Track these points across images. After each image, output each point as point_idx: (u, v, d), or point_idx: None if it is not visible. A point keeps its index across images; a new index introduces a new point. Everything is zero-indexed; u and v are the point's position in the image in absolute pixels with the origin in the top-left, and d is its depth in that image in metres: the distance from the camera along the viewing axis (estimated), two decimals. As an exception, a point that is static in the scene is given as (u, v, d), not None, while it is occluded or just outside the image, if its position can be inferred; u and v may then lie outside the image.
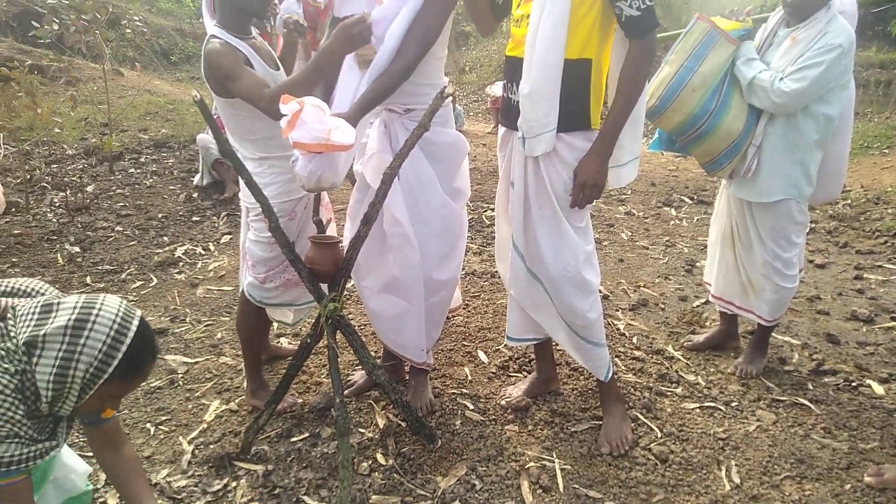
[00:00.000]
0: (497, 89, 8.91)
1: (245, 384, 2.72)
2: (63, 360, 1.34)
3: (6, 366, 1.33)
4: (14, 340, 1.35)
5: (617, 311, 3.42)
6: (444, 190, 2.29)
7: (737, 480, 2.18)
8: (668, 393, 2.68)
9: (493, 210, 5.11)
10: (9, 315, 1.39)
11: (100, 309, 1.40)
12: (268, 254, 2.40)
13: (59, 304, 1.40)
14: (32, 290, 1.51)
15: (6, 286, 1.50)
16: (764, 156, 2.53)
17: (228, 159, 2.07)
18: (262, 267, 2.44)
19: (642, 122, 2.16)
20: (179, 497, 2.16)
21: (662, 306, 3.52)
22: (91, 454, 1.92)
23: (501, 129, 2.33)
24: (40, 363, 1.34)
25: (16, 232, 4.56)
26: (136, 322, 1.44)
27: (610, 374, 2.34)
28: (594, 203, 2.17)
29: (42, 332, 1.34)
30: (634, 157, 2.18)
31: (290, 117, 1.79)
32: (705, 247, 3.51)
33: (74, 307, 1.39)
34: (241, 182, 2.21)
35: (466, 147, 2.38)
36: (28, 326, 1.36)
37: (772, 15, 2.65)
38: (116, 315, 1.42)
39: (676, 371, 2.84)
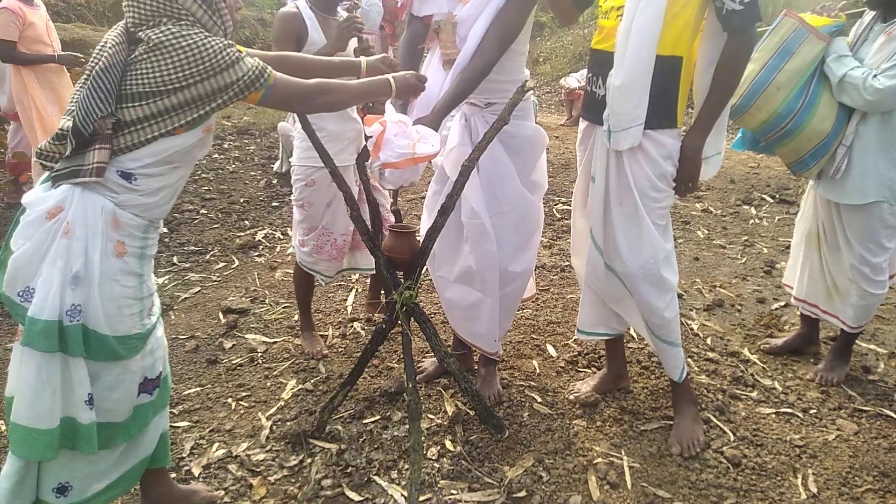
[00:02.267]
0: (572, 81, 8.80)
1: (319, 365, 2.83)
2: None
3: (184, 21, 1.59)
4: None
5: (691, 310, 3.36)
6: (522, 182, 2.31)
7: (814, 489, 2.12)
8: (743, 396, 2.62)
9: (564, 203, 5.08)
10: None
11: None
12: (299, 216, 2.79)
13: None
14: None
15: None
16: (855, 156, 2.42)
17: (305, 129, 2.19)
18: (298, 229, 2.79)
19: (726, 118, 2.12)
20: (258, 470, 2.28)
21: (739, 308, 3.43)
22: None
23: (583, 124, 2.32)
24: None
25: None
26: None
27: (684, 375, 2.31)
28: (674, 200, 2.15)
29: None
30: (717, 153, 2.14)
31: (375, 139, 1.85)
32: (787, 248, 3.39)
33: None
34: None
35: (545, 140, 2.39)
36: None
37: (867, 10, 2.53)
38: None
39: (752, 375, 2.77)
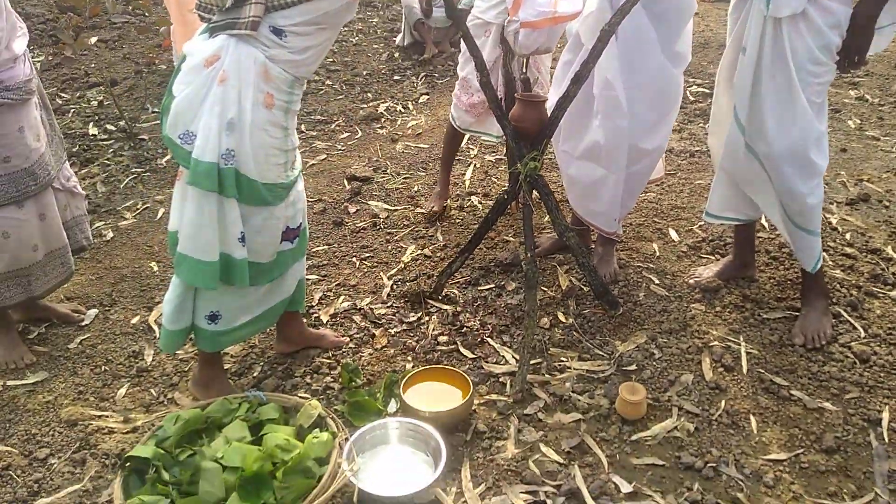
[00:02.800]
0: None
1: (437, 234, 2.92)
2: None
3: None
4: None
5: (831, 203, 3.12)
6: (664, 53, 2.16)
7: (949, 393, 2.01)
8: (881, 294, 2.46)
9: (699, 86, 4.74)
10: None
11: None
12: (461, 72, 2.85)
13: None
14: None
15: None
16: None
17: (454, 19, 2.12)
18: (458, 87, 2.86)
19: None
20: (380, 322, 2.44)
21: (887, 204, 3.15)
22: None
23: None
24: None
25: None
26: None
27: (819, 266, 2.19)
28: (835, 76, 1.95)
29: None
30: (893, 23, 1.90)
31: None
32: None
33: None
34: None
35: (694, 7, 2.20)
36: None
37: None
38: None
39: (894, 273, 2.58)
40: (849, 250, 2.73)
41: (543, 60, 2.86)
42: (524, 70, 2.32)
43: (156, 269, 2.88)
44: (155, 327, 2.46)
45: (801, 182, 2.03)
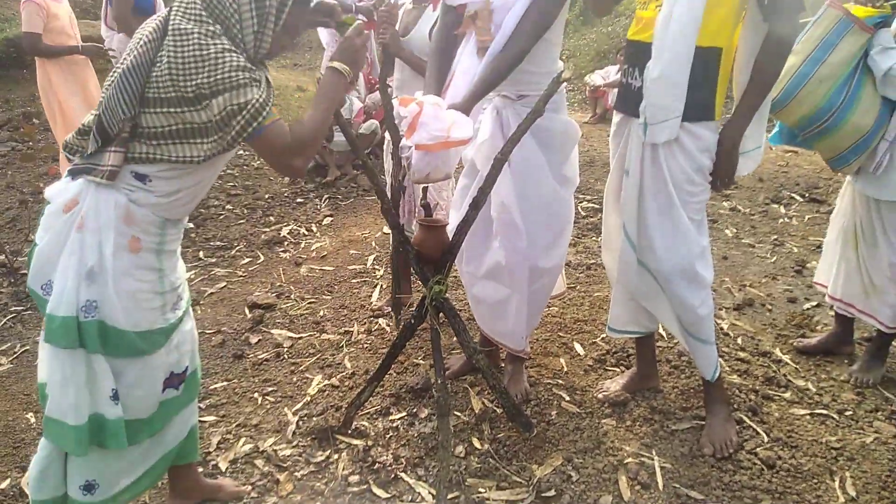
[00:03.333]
0: (596, 78, 8.72)
1: (345, 361, 2.82)
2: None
3: (212, 28, 1.50)
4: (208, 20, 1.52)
5: (721, 309, 3.30)
6: (554, 177, 2.27)
7: (852, 493, 2.06)
8: (776, 397, 2.56)
9: (589, 201, 5.03)
10: None
11: None
12: None
13: None
14: None
15: None
16: (897, 151, 2.36)
17: (348, 141, 2.15)
18: None
19: (767, 111, 2.08)
20: (285, 465, 2.27)
21: (770, 307, 3.36)
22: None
23: (617, 116, 2.28)
24: (241, 10, 1.53)
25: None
26: None
27: (717, 374, 2.26)
28: (710, 195, 2.11)
29: None
30: (757, 147, 2.10)
31: (410, 120, 1.82)
32: (817, 247, 3.32)
33: None
34: None
35: (578, 134, 2.36)
36: None
37: None
38: None
39: (784, 375, 2.71)
40: (742, 354, 2.86)
41: (443, 186, 2.95)
42: (423, 196, 2.37)
43: (33, 421, 2.59)
44: (29, 492, 2.17)
45: (692, 294, 2.13)
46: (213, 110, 1.50)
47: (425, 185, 2.24)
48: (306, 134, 1.63)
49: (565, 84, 2.03)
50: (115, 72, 1.57)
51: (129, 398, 1.64)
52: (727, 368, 2.74)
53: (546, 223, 2.32)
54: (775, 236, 4.42)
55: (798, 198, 5.25)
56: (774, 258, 4.04)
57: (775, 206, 5.10)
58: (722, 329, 3.09)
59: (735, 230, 4.56)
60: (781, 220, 4.78)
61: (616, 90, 5.90)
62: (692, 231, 2.09)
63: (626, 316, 2.42)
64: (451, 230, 2.23)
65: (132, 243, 1.58)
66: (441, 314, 2.19)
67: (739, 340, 3.00)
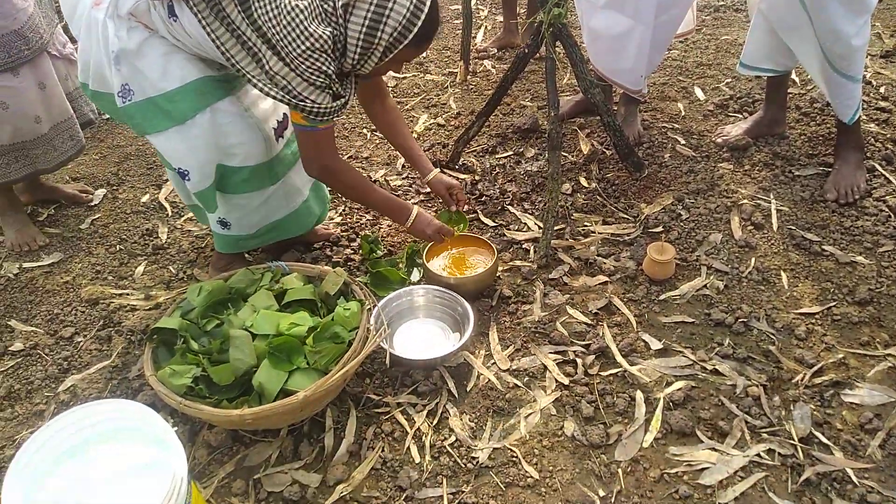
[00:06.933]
0: None
1: (450, 101, 2.77)
2: (372, 21, 1.44)
3: (323, 29, 1.44)
4: (332, 2, 1.45)
5: (865, 57, 2.94)
6: None
7: None
8: (916, 148, 2.36)
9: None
10: None
11: None
12: None
13: None
14: None
15: None
16: None
17: None
18: None
19: None
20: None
21: (925, 55, 2.97)
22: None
23: None
24: (351, 21, 1.45)
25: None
26: None
27: (856, 116, 2.07)
28: None
29: None
30: None
31: None
32: None
33: None
34: None
35: None
36: None
37: None
38: None
39: (930, 126, 2.47)
40: (883, 104, 2.61)
41: None
42: None
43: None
44: (166, 205, 2.39)
45: (848, 21, 1.87)
46: (276, 76, 1.47)
47: None
48: (342, 182, 1.73)
49: None
50: None
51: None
52: (865, 117, 2.51)
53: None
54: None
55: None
56: (938, 1, 3.49)
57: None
58: (864, 77, 2.78)
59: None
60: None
61: None
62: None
63: (763, 51, 2.19)
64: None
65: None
66: (558, 42, 2.05)
67: (882, 89, 2.71)
